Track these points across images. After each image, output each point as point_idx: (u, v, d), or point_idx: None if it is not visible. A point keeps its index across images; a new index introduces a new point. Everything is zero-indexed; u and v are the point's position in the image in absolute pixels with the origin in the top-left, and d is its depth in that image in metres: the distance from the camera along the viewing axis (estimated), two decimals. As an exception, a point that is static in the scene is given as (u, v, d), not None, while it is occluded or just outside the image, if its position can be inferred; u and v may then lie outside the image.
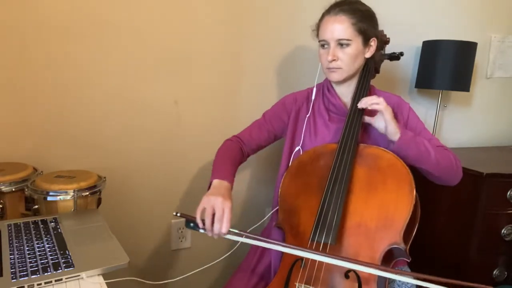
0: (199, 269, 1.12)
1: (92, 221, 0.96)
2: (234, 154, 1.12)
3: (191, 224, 0.92)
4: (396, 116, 1.12)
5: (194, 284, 1.58)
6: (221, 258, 1.19)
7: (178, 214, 0.92)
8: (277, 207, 1.11)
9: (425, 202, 1.08)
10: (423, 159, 1.03)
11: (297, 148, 1.17)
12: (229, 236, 0.90)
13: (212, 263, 1.19)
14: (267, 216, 1.23)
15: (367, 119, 1.09)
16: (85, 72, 1.27)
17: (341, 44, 1.06)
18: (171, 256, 1.53)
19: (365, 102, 1.04)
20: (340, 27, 1.05)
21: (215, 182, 0.99)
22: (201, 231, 0.91)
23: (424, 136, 1.10)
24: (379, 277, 0.90)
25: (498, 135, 2.09)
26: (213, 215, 0.90)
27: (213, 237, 0.91)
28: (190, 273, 1.11)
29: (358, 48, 1.08)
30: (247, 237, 0.91)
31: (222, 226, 0.89)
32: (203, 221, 0.91)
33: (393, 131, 1.02)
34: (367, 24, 1.07)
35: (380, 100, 1.02)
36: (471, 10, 1.87)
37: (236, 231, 0.91)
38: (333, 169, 1.01)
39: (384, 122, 1.03)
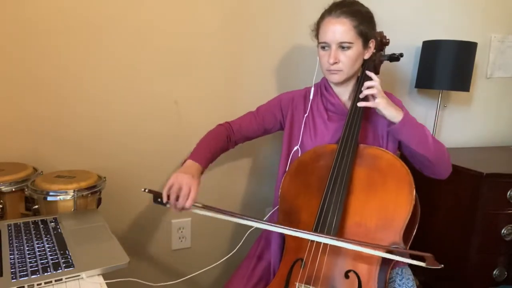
0: (199, 272, 1.12)
1: (92, 221, 0.96)
2: (218, 142, 1.16)
3: (158, 199, 0.97)
4: None
5: (194, 284, 1.58)
6: (222, 260, 1.19)
7: (146, 190, 0.98)
8: (277, 207, 1.11)
9: (425, 202, 1.08)
10: (421, 143, 1.04)
11: (295, 148, 1.18)
12: (194, 210, 0.97)
13: (212, 265, 1.19)
14: (267, 216, 1.23)
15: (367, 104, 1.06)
16: (85, 72, 1.27)
17: (342, 46, 1.06)
18: (171, 256, 1.53)
19: (365, 93, 1.05)
20: (341, 30, 1.05)
21: (189, 162, 1.05)
22: (168, 206, 0.97)
23: None
24: (379, 277, 0.90)
25: (498, 135, 2.09)
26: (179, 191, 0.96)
27: (176, 211, 0.97)
28: (190, 276, 1.12)
29: (358, 50, 1.08)
30: (211, 210, 0.97)
31: (187, 201, 0.94)
32: (168, 196, 0.96)
33: (393, 115, 1.02)
34: (367, 26, 1.08)
35: (375, 92, 1.03)
36: (471, 10, 1.87)
37: (200, 204, 0.97)
38: (333, 169, 1.01)
39: (379, 109, 1.03)
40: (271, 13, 1.49)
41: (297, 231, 0.92)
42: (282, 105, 1.23)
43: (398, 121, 1.02)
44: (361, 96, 1.06)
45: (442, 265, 0.83)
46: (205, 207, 0.97)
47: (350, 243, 0.88)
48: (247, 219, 0.95)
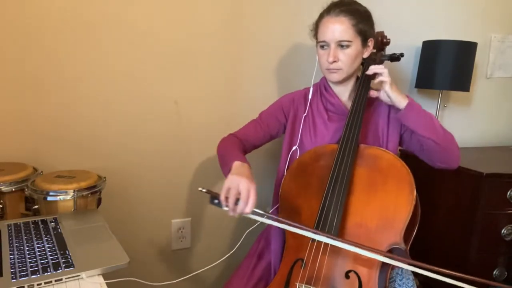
0: (199, 271, 1.12)
1: (92, 221, 0.96)
2: (240, 146, 1.14)
3: (215, 201, 0.93)
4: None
5: (194, 284, 1.58)
6: (222, 259, 1.19)
7: (204, 190, 0.93)
8: (277, 205, 1.11)
9: (425, 202, 1.08)
10: (429, 126, 1.04)
11: (294, 148, 1.18)
12: (251, 216, 0.92)
13: (212, 264, 1.19)
14: (266, 215, 1.23)
15: (373, 93, 1.09)
16: (86, 72, 1.27)
17: (341, 45, 1.07)
18: (171, 256, 1.53)
19: (373, 69, 1.06)
20: (340, 28, 1.05)
21: (237, 163, 0.99)
22: (225, 208, 0.92)
23: None
24: (380, 277, 0.90)
25: (498, 135, 2.09)
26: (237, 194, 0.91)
27: (234, 215, 0.92)
28: (190, 275, 1.11)
29: (357, 48, 1.08)
30: (268, 217, 0.93)
31: (247, 206, 0.89)
32: (226, 198, 0.91)
33: (398, 99, 1.03)
34: (366, 25, 1.08)
35: (384, 71, 1.03)
36: (471, 10, 1.87)
37: (259, 211, 0.92)
38: (334, 169, 1.01)
39: (386, 94, 1.04)
40: (270, 13, 1.49)
41: (323, 234, 0.91)
42: (284, 108, 1.23)
43: (404, 106, 1.03)
44: (369, 72, 1.08)
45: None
46: (265, 215, 0.93)
47: (358, 247, 0.87)
48: (311, 231, 0.91)
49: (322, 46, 1.10)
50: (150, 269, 1.50)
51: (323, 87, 1.20)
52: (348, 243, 0.88)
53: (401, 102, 1.03)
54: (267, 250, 1.18)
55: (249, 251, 1.23)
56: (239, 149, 1.10)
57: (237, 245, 1.08)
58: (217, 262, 1.20)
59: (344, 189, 0.97)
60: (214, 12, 1.40)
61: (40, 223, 0.93)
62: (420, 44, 1.75)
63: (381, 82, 1.04)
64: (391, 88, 1.03)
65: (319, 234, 0.91)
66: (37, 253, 0.78)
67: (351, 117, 1.08)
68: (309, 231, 0.91)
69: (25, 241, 0.83)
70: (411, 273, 1.10)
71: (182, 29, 1.37)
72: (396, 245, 0.91)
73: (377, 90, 1.08)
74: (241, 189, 0.90)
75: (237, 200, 0.90)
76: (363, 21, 1.07)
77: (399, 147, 1.17)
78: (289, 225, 0.93)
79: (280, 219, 0.94)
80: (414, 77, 1.82)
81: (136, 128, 1.37)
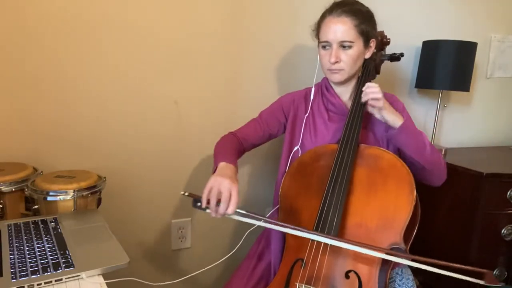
0: (199, 271, 1.12)
1: (92, 221, 0.96)
2: (235, 146, 1.14)
3: (198, 204, 0.92)
4: None
5: (194, 284, 1.58)
6: (222, 260, 1.19)
7: (186, 194, 0.93)
8: (277, 206, 1.11)
9: (425, 202, 1.08)
10: (419, 150, 1.03)
11: (295, 148, 1.18)
12: (233, 216, 0.91)
13: (213, 264, 1.19)
14: (267, 216, 1.23)
15: (369, 109, 1.08)
16: (85, 72, 1.27)
17: (343, 45, 1.06)
18: (171, 256, 1.53)
19: (366, 95, 1.03)
20: (342, 29, 1.05)
21: (222, 164, 0.99)
22: (207, 210, 0.92)
23: None
24: (379, 277, 0.90)
25: (498, 135, 2.10)
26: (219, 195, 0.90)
27: (216, 216, 0.91)
28: (190, 275, 1.11)
29: (359, 49, 1.08)
30: (252, 217, 0.92)
31: (229, 207, 0.89)
32: (208, 200, 0.91)
33: (392, 120, 1.01)
34: (368, 26, 1.08)
35: (379, 96, 1.01)
36: (471, 10, 1.87)
37: (242, 211, 0.91)
38: (334, 169, 1.01)
39: (381, 115, 1.03)
40: (271, 13, 1.49)
41: (319, 234, 0.91)
42: (284, 108, 1.23)
43: (397, 126, 1.01)
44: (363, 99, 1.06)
45: (502, 284, 0.82)
46: (248, 214, 0.92)
47: (355, 244, 0.87)
48: (296, 229, 0.91)
49: (324, 47, 1.10)
50: (150, 269, 1.50)
51: (324, 87, 1.20)
52: (347, 242, 0.88)
53: (395, 122, 1.01)
54: (267, 251, 1.18)
55: (249, 251, 1.23)
56: (233, 149, 1.10)
57: (237, 246, 1.08)
58: (217, 263, 1.20)
59: (344, 189, 0.97)
60: (214, 12, 1.40)
61: (40, 223, 0.93)
62: (420, 44, 1.75)
63: (375, 106, 1.02)
64: (386, 111, 1.01)
65: (315, 234, 0.91)
66: (37, 253, 0.78)
67: (351, 117, 1.08)
68: (303, 231, 0.91)
69: (25, 241, 0.83)
70: (411, 273, 1.10)
71: (182, 29, 1.37)
72: (396, 245, 0.91)
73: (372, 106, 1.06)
74: (222, 189, 0.89)
75: (219, 201, 0.89)
76: (365, 22, 1.07)
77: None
78: (282, 226, 0.93)
79: (272, 221, 0.94)
80: (414, 77, 1.82)
81: (136, 128, 1.37)
